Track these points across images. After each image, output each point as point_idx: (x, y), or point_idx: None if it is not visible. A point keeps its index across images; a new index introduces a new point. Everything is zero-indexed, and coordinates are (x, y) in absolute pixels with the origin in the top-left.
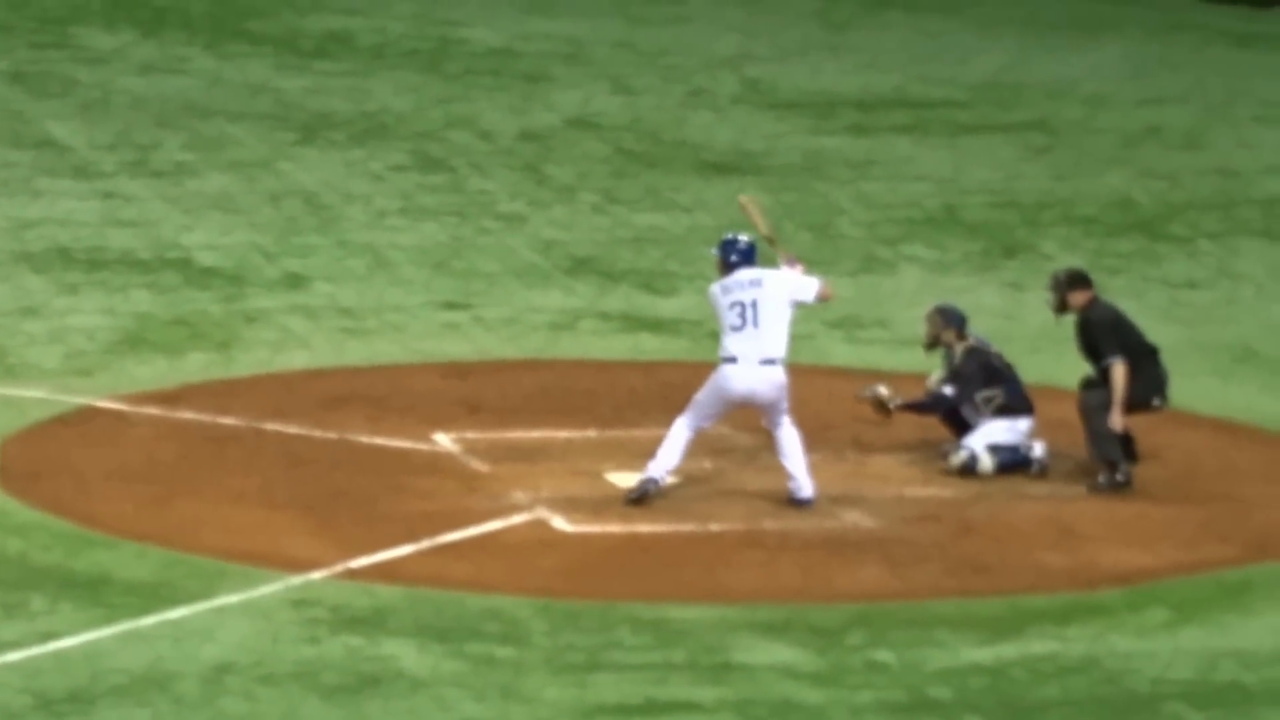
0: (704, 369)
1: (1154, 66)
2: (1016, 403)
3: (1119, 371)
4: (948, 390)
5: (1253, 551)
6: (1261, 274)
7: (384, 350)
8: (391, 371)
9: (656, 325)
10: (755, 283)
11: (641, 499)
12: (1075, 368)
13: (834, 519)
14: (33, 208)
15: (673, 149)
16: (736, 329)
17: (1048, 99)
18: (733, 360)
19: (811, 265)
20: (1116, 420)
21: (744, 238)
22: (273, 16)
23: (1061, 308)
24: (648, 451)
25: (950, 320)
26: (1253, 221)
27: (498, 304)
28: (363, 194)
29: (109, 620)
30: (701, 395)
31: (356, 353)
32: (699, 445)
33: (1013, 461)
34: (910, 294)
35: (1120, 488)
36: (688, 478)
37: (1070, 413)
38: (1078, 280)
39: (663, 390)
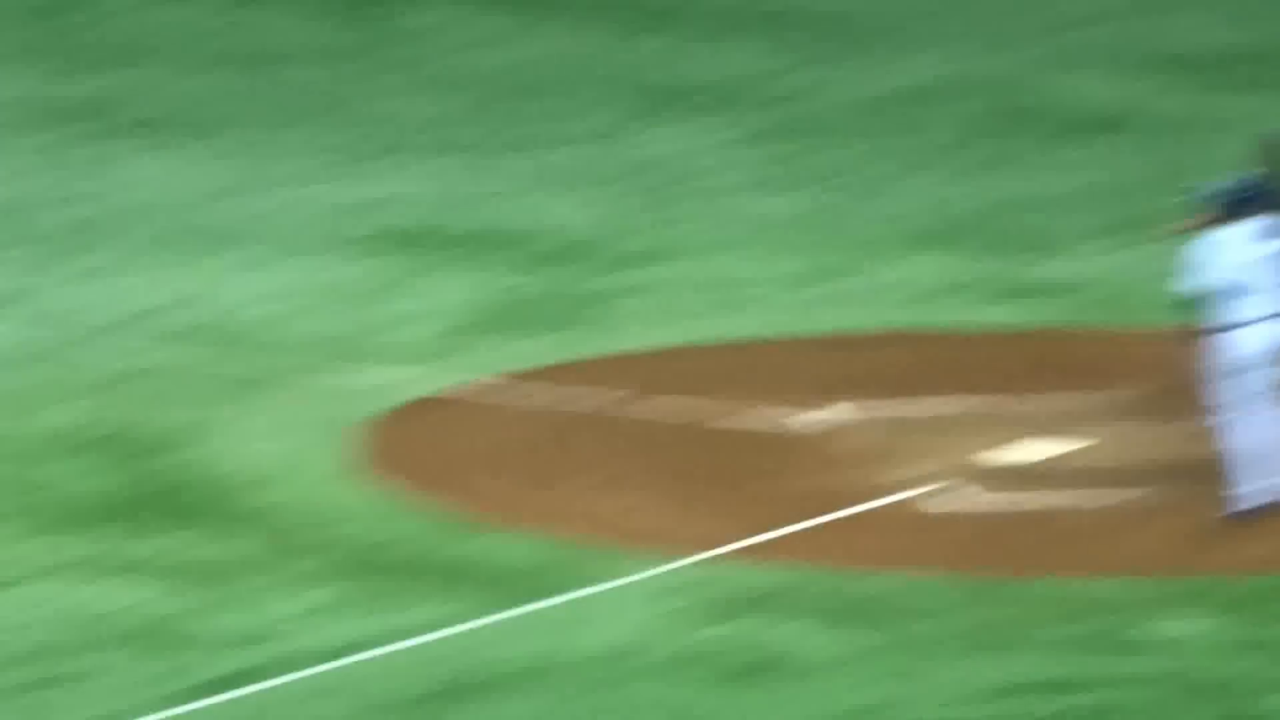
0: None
1: None
2: None
3: None
4: None
5: None
6: None
7: (766, 322)
8: (767, 348)
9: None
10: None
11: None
12: None
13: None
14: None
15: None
16: None
17: None
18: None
19: None
20: None
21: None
22: None
23: None
24: (1045, 425)
25: None
26: None
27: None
28: (724, 165)
29: (491, 608)
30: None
31: (727, 327)
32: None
33: None
34: None
35: None
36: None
37: None
38: None
39: (1040, 358)
